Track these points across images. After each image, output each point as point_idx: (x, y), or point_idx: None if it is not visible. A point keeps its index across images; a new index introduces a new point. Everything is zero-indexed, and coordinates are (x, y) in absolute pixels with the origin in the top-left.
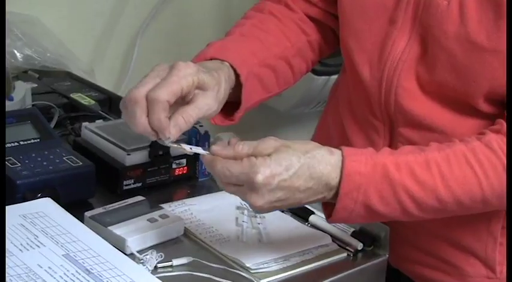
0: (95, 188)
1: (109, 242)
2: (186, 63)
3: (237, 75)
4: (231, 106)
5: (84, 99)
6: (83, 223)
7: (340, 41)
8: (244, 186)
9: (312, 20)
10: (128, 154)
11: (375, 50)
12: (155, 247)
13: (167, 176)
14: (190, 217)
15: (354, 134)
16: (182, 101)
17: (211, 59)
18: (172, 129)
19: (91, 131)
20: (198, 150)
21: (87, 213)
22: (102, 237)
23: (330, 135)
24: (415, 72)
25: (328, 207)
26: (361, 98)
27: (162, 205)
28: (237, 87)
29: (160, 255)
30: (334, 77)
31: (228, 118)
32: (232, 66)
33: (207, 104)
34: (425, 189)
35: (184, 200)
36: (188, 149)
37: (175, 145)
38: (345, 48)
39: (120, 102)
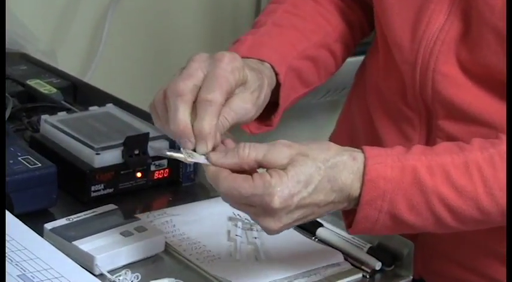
0: (56, 194)
1: (74, 260)
2: (232, 54)
3: (275, 74)
4: (265, 108)
5: (43, 86)
6: (43, 237)
7: (375, 17)
8: (257, 208)
9: None
10: (97, 154)
11: (406, 28)
12: (130, 266)
13: (144, 181)
14: (173, 230)
15: (384, 128)
16: None
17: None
18: (216, 137)
19: (52, 125)
20: (199, 158)
21: (48, 226)
22: (66, 254)
23: (355, 129)
24: (455, 54)
25: (350, 216)
26: (392, 84)
27: (139, 215)
28: (275, 87)
29: (136, 276)
30: (350, 60)
31: (264, 123)
32: (271, 66)
33: (244, 109)
34: (464, 197)
35: (165, 210)
36: (186, 157)
37: (171, 154)
38: (378, 25)
39: (156, 97)
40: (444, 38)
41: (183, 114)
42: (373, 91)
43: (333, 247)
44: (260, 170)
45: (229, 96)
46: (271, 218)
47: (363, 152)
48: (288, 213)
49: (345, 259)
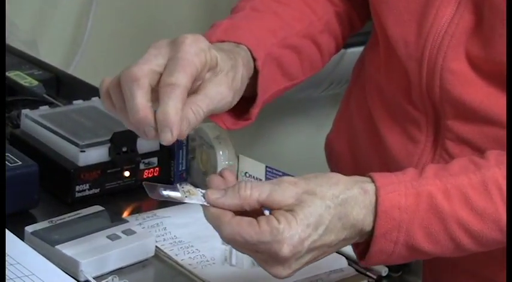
0: (38, 195)
1: (57, 266)
2: (194, 35)
3: (253, 60)
4: (243, 103)
5: (23, 79)
6: (23, 241)
7: (371, 8)
8: (264, 254)
9: None
10: (82, 151)
11: (411, 21)
12: (117, 272)
13: (133, 180)
14: (164, 233)
15: (387, 129)
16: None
17: (217, 42)
18: (183, 125)
19: (33, 120)
20: (197, 199)
21: (29, 228)
22: (49, 260)
23: (354, 129)
24: (465, 49)
25: (361, 245)
26: (394, 82)
27: (127, 218)
28: (252, 76)
29: None
30: (352, 50)
31: (242, 118)
32: (248, 49)
33: (219, 93)
34: (485, 219)
35: (155, 211)
36: (183, 197)
37: (168, 194)
38: (375, 17)
39: (101, 83)
40: (453, 32)
41: (141, 100)
42: (373, 89)
43: (336, 252)
44: (266, 211)
45: (196, 81)
46: (281, 266)
47: (372, 180)
48: (298, 258)
49: (349, 264)
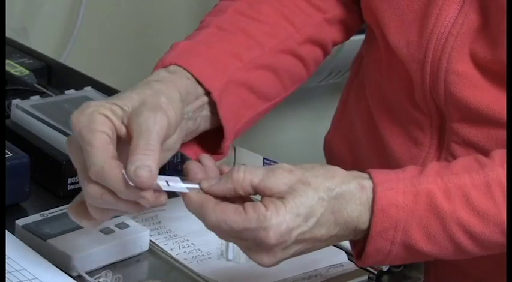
0: (29, 188)
1: (49, 260)
2: (89, 117)
3: (207, 93)
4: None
5: (14, 68)
6: (14, 235)
7: (364, 8)
8: (249, 242)
9: None
10: None
11: (413, 21)
12: (111, 267)
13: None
14: (158, 227)
15: (389, 131)
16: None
17: (170, 65)
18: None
19: (24, 110)
20: (181, 187)
21: (19, 222)
22: (40, 254)
23: (354, 131)
24: (470, 50)
25: (358, 245)
26: (396, 83)
27: None
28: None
29: (118, 278)
30: (351, 39)
31: (216, 152)
32: (199, 82)
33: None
34: (487, 221)
35: None
36: (166, 185)
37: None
38: (372, 17)
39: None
40: (458, 32)
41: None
42: (373, 89)
43: (335, 246)
44: (255, 198)
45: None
46: (265, 254)
47: (370, 177)
48: (285, 248)
49: (349, 259)
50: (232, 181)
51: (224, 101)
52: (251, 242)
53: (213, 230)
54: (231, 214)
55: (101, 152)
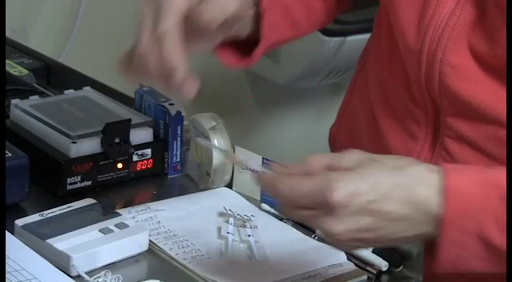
0: (28, 188)
1: (48, 260)
2: None
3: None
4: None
5: (13, 68)
6: (13, 235)
7: None
8: (317, 210)
9: None
10: (74, 142)
11: (411, 12)
12: (110, 267)
13: (126, 172)
14: (157, 227)
15: (386, 124)
16: None
17: None
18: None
19: (23, 110)
20: (257, 166)
21: (19, 222)
22: (39, 254)
23: (356, 124)
24: (467, 42)
25: (432, 252)
26: (397, 77)
27: (120, 211)
28: (257, 21)
29: (117, 278)
30: (351, 38)
31: (245, 58)
32: None
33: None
34: None
35: (149, 204)
36: (246, 160)
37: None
38: (382, 7)
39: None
40: (454, 23)
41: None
42: (376, 84)
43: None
44: None
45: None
46: (332, 218)
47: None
48: (351, 214)
49: (348, 259)
50: (307, 166)
51: (266, 13)
52: (319, 208)
53: (282, 201)
54: (300, 179)
55: (173, 16)
